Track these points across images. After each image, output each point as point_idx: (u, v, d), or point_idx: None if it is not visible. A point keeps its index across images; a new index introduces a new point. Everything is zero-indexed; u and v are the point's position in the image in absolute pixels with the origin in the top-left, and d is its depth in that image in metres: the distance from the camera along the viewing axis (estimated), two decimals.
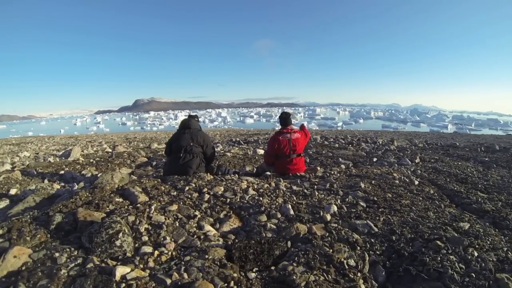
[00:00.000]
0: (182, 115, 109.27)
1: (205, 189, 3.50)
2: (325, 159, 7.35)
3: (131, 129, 67.85)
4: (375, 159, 7.22)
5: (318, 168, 5.37)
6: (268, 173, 4.80)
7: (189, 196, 3.25)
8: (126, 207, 2.85)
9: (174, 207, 2.89)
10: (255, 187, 3.76)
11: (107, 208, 2.80)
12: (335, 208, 3.02)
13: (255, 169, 5.94)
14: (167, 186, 3.58)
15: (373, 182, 4.19)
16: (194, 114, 5.46)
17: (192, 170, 4.47)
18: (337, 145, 10.97)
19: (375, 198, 3.39)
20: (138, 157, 8.15)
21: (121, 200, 3.04)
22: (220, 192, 3.43)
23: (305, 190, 3.68)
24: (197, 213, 2.83)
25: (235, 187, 3.61)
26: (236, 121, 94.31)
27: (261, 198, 3.27)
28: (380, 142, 11.94)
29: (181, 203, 3.03)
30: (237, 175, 4.61)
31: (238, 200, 3.23)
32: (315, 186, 3.95)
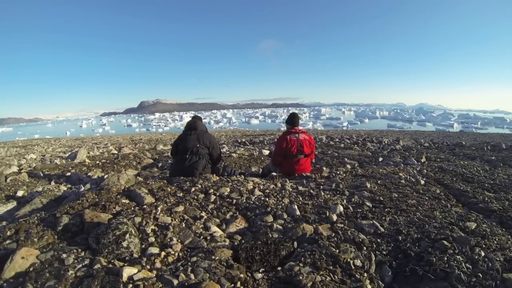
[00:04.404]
0: (188, 117, 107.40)
1: (211, 190, 3.50)
2: (330, 159, 7.35)
3: (137, 130, 67.67)
4: (380, 159, 7.22)
5: (324, 168, 5.37)
6: (274, 173, 4.82)
7: (195, 197, 3.26)
8: (132, 208, 2.87)
9: (181, 208, 2.89)
10: (261, 187, 3.76)
11: (114, 210, 2.82)
12: (341, 208, 3.01)
13: (260, 169, 5.93)
14: (173, 187, 3.59)
15: (379, 182, 4.17)
16: (198, 115, 5.44)
17: (198, 172, 4.44)
18: (342, 145, 10.95)
19: (381, 198, 3.37)
20: (144, 159, 8.20)
21: (127, 201, 3.05)
22: (226, 193, 3.43)
23: (311, 191, 3.68)
24: (203, 214, 2.83)
25: (241, 188, 3.61)
26: (241, 121, 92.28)
27: (267, 199, 3.27)
28: (386, 142, 11.89)
29: (187, 204, 3.04)
30: (243, 176, 4.58)
31: (244, 201, 3.23)
32: (321, 187, 3.94)
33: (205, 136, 4.77)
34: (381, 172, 4.89)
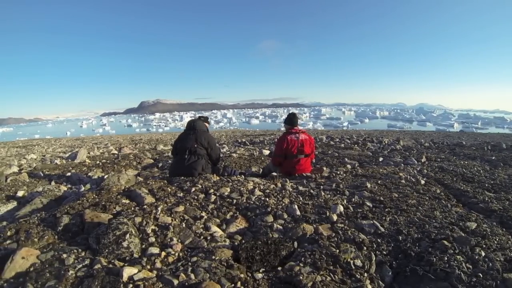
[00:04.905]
0: (188, 117, 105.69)
1: (211, 190, 3.50)
2: (331, 159, 7.35)
3: (137, 130, 66.37)
4: (381, 159, 7.21)
5: (324, 168, 5.37)
6: (274, 173, 4.81)
7: (195, 197, 3.26)
8: (132, 208, 2.87)
9: (181, 208, 2.89)
10: (261, 187, 3.76)
11: (114, 210, 2.82)
12: (341, 208, 3.01)
13: (261, 170, 5.91)
14: (173, 188, 3.59)
15: (379, 182, 4.17)
16: (204, 116, 5.46)
17: (197, 172, 4.43)
18: (342, 145, 10.94)
19: (381, 198, 3.37)
20: (144, 159, 8.17)
21: (127, 201, 3.06)
22: (226, 193, 3.43)
23: (311, 191, 3.68)
24: (203, 214, 2.83)
25: (241, 188, 3.61)
26: (241, 121, 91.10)
27: (267, 199, 3.27)
28: (386, 142, 11.87)
29: (188, 204, 3.04)
30: (243, 176, 4.56)
31: (245, 201, 3.22)
32: (321, 187, 3.94)
33: (203, 136, 4.73)
34: (382, 172, 4.88)
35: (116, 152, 10.85)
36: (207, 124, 5.17)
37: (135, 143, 15.33)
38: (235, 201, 3.21)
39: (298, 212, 2.92)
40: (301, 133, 4.98)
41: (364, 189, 3.76)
